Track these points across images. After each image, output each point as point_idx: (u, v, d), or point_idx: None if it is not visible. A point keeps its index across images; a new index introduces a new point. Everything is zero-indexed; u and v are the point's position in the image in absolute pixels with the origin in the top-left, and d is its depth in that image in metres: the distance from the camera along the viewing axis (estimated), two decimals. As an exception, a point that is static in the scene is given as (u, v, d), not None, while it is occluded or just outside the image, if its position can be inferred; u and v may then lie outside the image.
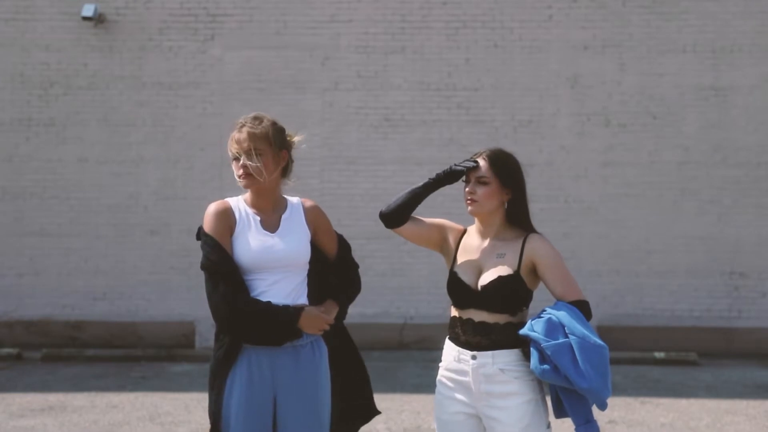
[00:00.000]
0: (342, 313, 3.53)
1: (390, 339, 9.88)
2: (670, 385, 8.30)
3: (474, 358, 3.21)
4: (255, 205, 3.45)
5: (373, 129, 10.23)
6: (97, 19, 10.11)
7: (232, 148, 3.40)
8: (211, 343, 11.05)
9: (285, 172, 3.49)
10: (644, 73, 10.13)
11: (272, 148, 3.40)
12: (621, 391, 7.95)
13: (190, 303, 9.99)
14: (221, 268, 3.32)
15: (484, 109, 10.17)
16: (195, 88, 10.26)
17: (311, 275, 3.47)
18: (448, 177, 3.35)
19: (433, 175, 3.41)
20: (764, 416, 7.06)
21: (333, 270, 3.54)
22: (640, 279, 10.11)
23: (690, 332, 9.99)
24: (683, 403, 7.51)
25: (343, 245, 3.60)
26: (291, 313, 3.31)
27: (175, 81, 10.26)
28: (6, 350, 9.65)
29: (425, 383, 7.79)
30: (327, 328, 3.38)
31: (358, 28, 10.23)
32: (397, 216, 3.40)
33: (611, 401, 7.47)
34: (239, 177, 3.40)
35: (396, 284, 10.06)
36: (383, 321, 9.87)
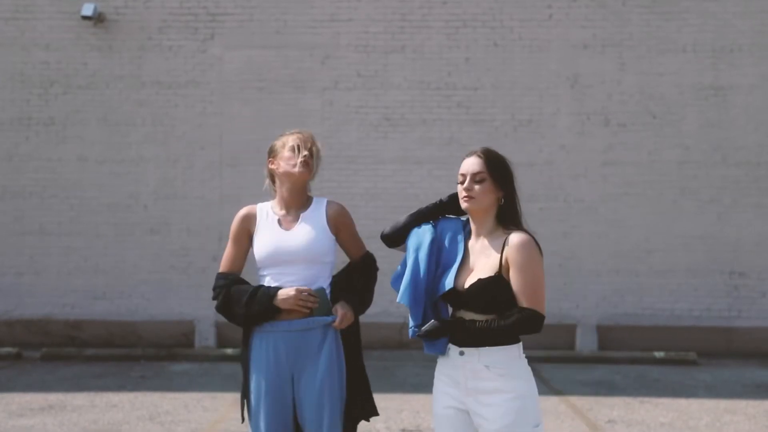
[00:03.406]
0: (357, 311, 3.73)
1: (390, 338, 9.88)
2: (670, 384, 8.30)
3: (461, 354, 3.23)
4: (286, 203, 3.72)
5: (372, 128, 10.23)
6: (97, 19, 10.11)
7: (292, 141, 3.69)
8: (211, 342, 11.05)
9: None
10: (644, 72, 10.14)
11: (318, 155, 3.76)
12: (620, 390, 7.96)
13: (189, 302, 9.99)
14: (221, 281, 3.73)
15: (484, 108, 10.17)
16: (195, 88, 10.26)
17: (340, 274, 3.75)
18: (452, 201, 3.42)
19: (436, 194, 3.51)
20: (764, 416, 7.06)
21: (354, 273, 3.79)
22: (639, 279, 10.12)
23: (690, 332, 9.99)
24: (683, 402, 7.51)
25: (368, 257, 3.83)
26: (269, 290, 3.59)
27: (175, 80, 10.26)
28: (6, 349, 9.65)
29: (425, 383, 7.78)
30: (301, 304, 3.55)
31: (358, 28, 10.23)
32: (398, 236, 3.52)
33: (611, 401, 7.48)
34: (296, 165, 3.65)
35: (396, 283, 10.05)
36: (383, 321, 9.85)
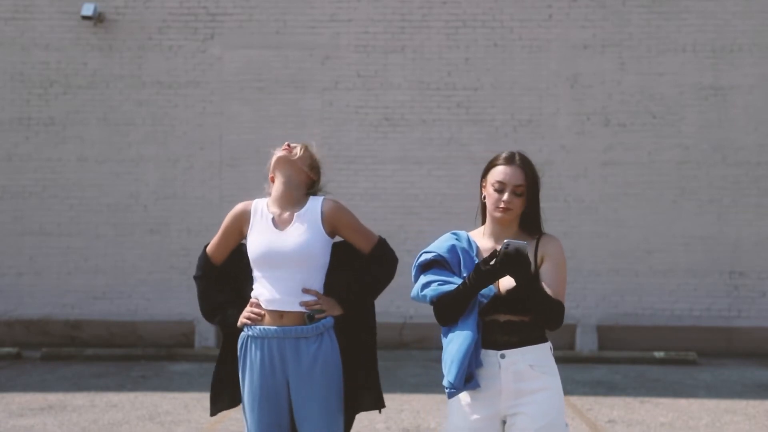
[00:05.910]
0: (359, 305, 3.67)
1: (390, 338, 9.87)
2: (670, 384, 8.30)
3: (503, 357, 3.20)
4: (280, 200, 3.62)
5: (372, 128, 10.23)
6: (97, 18, 10.11)
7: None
8: (211, 342, 11.01)
9: (313, 188, 3.78)
10: (644, 72, 10.14)
11: (309, 165, 3.75)
12: (621, 390, 7.96)
13: (189, 302, 9.97)
14: (199, 272, 3.77)
15: (483, 108, 10.18)
16: (195, 87, 10.26)
17: (342, 270, 3.60)
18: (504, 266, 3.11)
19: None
20: (764, 416, 7.06)
21: (366, 265, 3.66)
22: (639, 278, 10.12)
23: (689, 332, 10.00)
24: (683, 402, 7.51)
25: (378, 247, 3.70)
26: (227, 319, 3.67)
27: (175, 80, 10.26)
28: (5, 349, 9.65)
29: (425, 382, 7.79)
30: (246, 322, 3.55)
31: (358, 28, 10.24)
32: (457, 317, 3.28)
33: (611, 401, 7.48)
34: (281, 149, 3.68)
35: (396, 284, 9.90)
36: (383, 320, 9.69)
